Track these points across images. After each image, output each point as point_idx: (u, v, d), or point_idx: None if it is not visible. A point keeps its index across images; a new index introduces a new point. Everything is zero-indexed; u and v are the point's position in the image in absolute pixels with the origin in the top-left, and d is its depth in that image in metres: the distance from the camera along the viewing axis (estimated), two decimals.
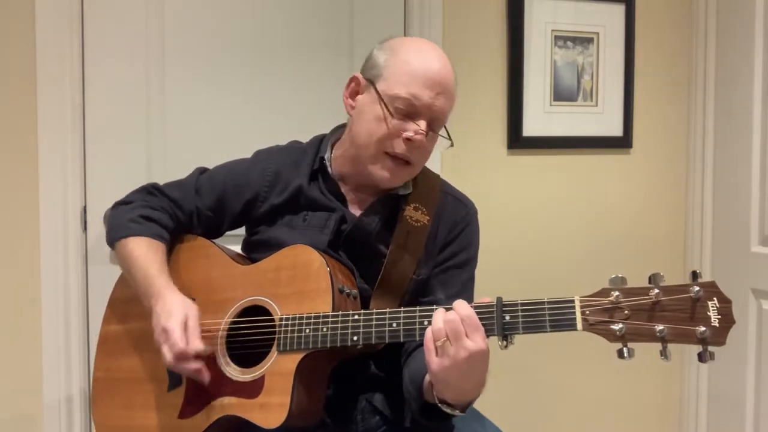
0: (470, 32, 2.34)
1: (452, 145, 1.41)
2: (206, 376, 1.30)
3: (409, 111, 1.33)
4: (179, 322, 1.28)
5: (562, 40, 2.43)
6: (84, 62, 2.00)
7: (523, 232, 2.44)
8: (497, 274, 2.13)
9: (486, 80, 2.37)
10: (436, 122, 1.36)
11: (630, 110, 2.52)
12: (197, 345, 1.28)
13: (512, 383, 2.43)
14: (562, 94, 2.44)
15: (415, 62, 1.34)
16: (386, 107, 1.33)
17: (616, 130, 2.52)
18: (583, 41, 2.46)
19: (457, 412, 1.20)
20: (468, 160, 2.35)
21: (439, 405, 1.19)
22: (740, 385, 2.41)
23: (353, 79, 1.42)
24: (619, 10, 2.48)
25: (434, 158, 2.23)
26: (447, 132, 1.40)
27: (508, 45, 2.38)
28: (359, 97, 1.40)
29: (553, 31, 2.41)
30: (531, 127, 2.40)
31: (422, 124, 1.33)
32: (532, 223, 2.45)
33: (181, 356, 1.27)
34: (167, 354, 1.27)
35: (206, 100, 2.11)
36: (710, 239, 2.54)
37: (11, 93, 1.94)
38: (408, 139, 1.33)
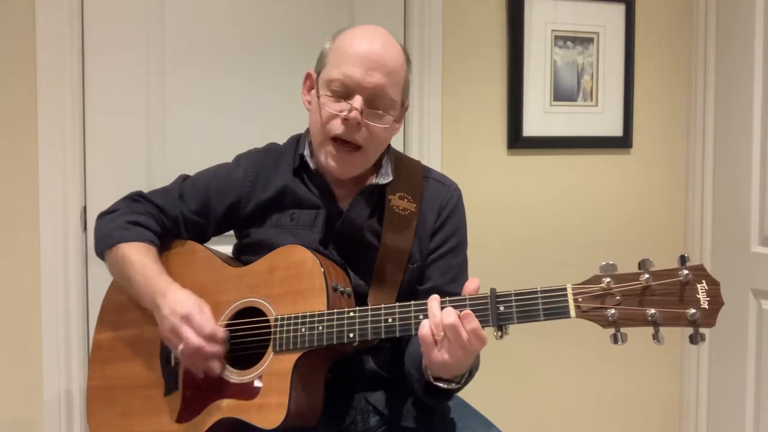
0: (470, 32, 2.34)
1: (396, 122, 1.39)
2: (219, 367, 1.30)
3: (345, 91, 1.33)
4: (197, 307, 1.29)
5: (562, 40, 2.43)
6: (84, 62, 2.01)
7: (522, 231, 2.43)
8: (497, 273, 2.13)
9: (486, 80, 2.37)
10: (378, 100, 1.35)
11: (630, 110, 2.52)
12: (221, 329, 1.29)
13: (513, 383, 2.44)
14: (562, 94, 2.44)
15: (349, 45, 1.35)
16: (318, 92, 1.35)
17: (616, 130, 2.52)
18: (583, 41, 2.45)
19: (453, 385, 1.22)
20: (468, 160, 2.35)
21: (435, 383, 1.22)
22: (740, 385, 2.41)
23: (307, 75, 1.44)
24: (619, 10, 2.48)
25: (434, 158, 2.26)
26: (399, 113, 1.40)
27: (508, 45, 2.38)
28: (312, 91, 1.42)
29: (553, 31, 2.41)
30: (531, 127, 2.40)
31: (356, 101, 1.32)
32: (532, 223, 2.45)
33: (211, 337, 1.27)
34: (193, 339, 1.26)
35: (206, 100, 2.11)
36: (710, 239, 2.54)
37: (11, 93, 1.94)
38: (345, 119, 1.33)
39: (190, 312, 1.28)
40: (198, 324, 1.27)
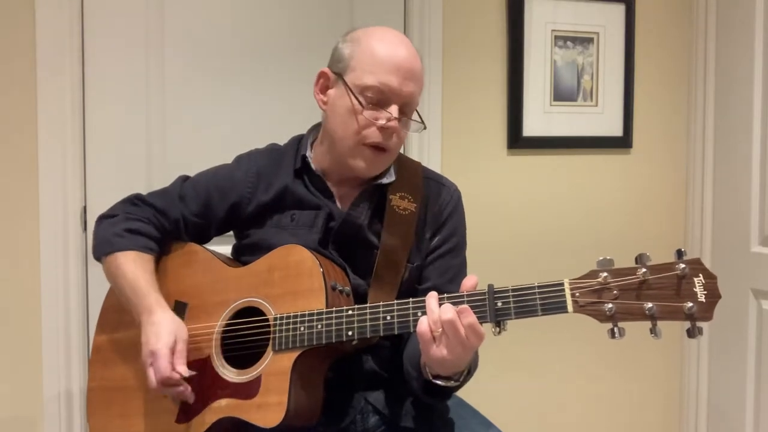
0: (470, 32, 2.34)
1: (425, 128, 1.43)
2: (191, 398, 1.31)
3: (380, 99, 1.34)
4: (168, 345, 1.29)
5: (562, 40, 2.43)
6: (84, 62, 2.01)
7: (523, 232, 2.43)
8: (497, 274, 2.12)
9: (486, 80, 2.37)
10: (407, 107, 1.37)
11: (630, 110, 2.52)
12: (182, 370, 1.29)
13: (512, 382, 2.44)
14: (562, 94, 2.44)
15: (380, 50, 1.35)
16: (357, 98, 1.34)
17: (616, 130, 2.52)
18: (583, 41, 2.46)
19: (452, 383, 1.22)
20: (468, 160, 2.35)
21: (434, 380, 1.22)
22: (740, 385, 2.41)
23: (322, 74, 1.43)
24: (619, 10, 2.48)
25: (434, 158, 2.26)
26: (419, 116, 1.42)
27: (508, 45, 2.38)
28: (330, 91, 1.41)
29: (553, 31, 2.41)
30: (531, 127, 2.40)
31: (394, 111, 1.34)
32: (533, 223, 2.45)
33: (166, 382, 1.28)
34: (152, 377, 1.29)
35: (206, 100, 2.11)
36: (710, 239, 2.54)
37: (11, 93, 1.94)
38: (383, 127, 1.34)
39: (157, 350, 1.29)
40: (158, 366, 1.28)
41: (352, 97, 1.35)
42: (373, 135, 1.35)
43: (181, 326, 1.34)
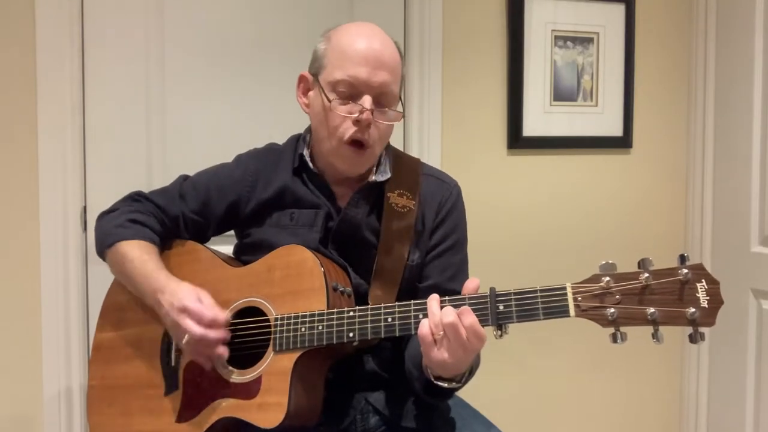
0: (470, 32, 2.34)
1: (403, 116, 1.42)
2: (226, 352, 1.30)
3: (352, 92, 1.34)
4: (194, 298, 1.29)
5: (562, 40, 2.43)
6: (84, 62, 2.01)
7: (523, 232, 2.43)
8: (497, 274, 2.13)
9: (486, 80, 2.37)
10: (383, 98, 1.36)
11: (630, 110, 2.52)
12: (222, 314, 1.29)
13: (513, 383, 2.44)
14: (562, 94, 2.44)
15: (348, 44, 1.35)
16: (326, 96, 1.34)
17: (616, 130, 2.52)
18: (583, 41, 2.45)
19: (453, 384, 1.22)
20: (468, 160, 2.35)
21: (435, 381, 1.21)
22: (740, 385, 2.41)
23: (301, 77, 1.44)
24: (619, 10, 2.48)
25: (434, 158, 2.26)
26: (402, 103, 1.41)
27: (508, 45, 2.38)
28: (310, 93, 1.42)
29: (553, 31, 2.41)
30: (531, 127, 2.40)
31: (366, 101, 1.33)
32: (532, 224, 2.45)
33: (212, 323, 1.27)
34: (194, 329, 1.26)
35: (206, 100, 2.11)
36: (710, 239, 2.54)
37: (11, 93, 1.94)
38: (357, 120, 1.33)
39: (187, 303, 1.28)
40: (196, 313, 1.27)
41: (323, 95, 1.35)
42: (349, 130, 1.34)
43: (199, 288, 1.33)
